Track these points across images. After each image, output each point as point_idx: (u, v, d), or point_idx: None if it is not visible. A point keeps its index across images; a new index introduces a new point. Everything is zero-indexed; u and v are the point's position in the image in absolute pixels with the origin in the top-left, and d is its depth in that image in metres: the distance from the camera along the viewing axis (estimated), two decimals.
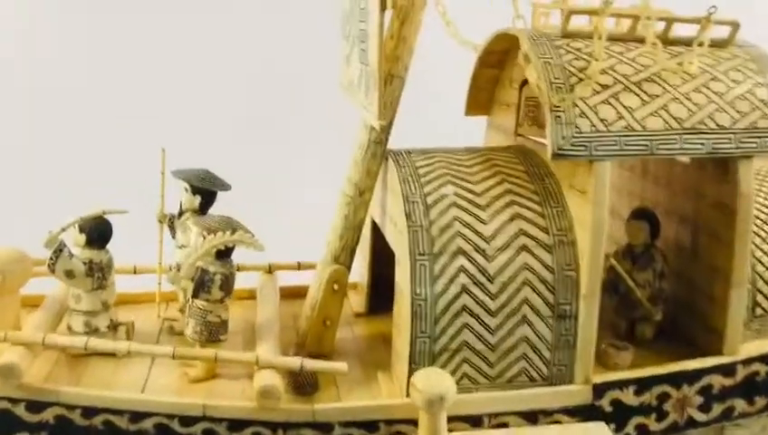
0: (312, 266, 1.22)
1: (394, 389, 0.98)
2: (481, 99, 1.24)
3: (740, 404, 1.03)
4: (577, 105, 0.92)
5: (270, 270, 1.25)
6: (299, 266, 1.26)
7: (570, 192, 0.97)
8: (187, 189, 1.10)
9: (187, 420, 0.88)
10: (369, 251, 1.20)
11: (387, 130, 1.02)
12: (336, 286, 1.06)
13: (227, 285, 0.97)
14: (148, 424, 0.88)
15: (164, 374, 0.98)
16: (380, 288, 1.20)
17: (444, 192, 0.96)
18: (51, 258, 0.96)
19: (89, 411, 0.88)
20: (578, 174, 0.95)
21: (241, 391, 0.95)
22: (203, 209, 1.11)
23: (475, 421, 0.92)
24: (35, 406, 0.88)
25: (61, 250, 0.96)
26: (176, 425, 0.88)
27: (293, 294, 1.21)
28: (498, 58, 1.18)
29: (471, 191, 0.96)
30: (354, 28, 1.02)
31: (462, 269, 0.92)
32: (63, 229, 0.97)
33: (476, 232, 0.93)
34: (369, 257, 1.20)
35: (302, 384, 0.95)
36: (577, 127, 0.92)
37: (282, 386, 0.90)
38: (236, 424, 0.89)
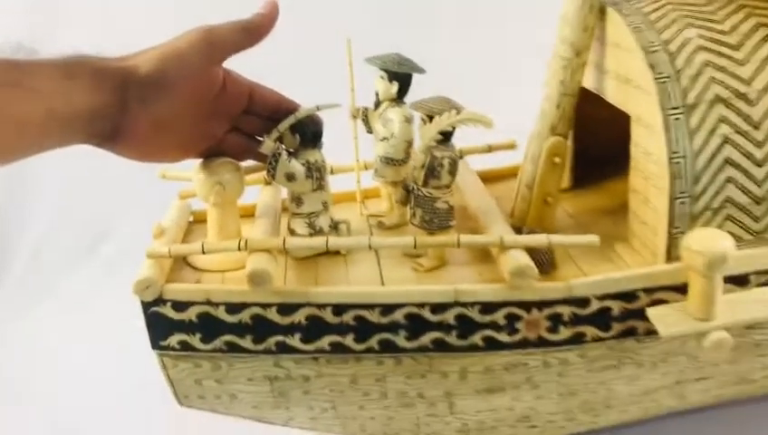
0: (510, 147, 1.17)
1: (641, 258, 0.92)
2: None
3: None
4: None
5: (461, 155, 1.20)
6: (489, 149, 1.20)
7: None
8: (383, 77, 1.04)
9: (439, 308, 0.86)
10: None
11: None
12: (557, 159, 0.99)
13: (454, 168, 0.93)
14: (398, 315, 0.87)
15: (395, 268, 0.96)
16: (582, 161, 1.13)
17: (687, 36, 0.86)
18: (270, 163, 0.94)
19: (339, 309, 0.87)
20: None
21: (478, 274, 0.92)
22: (400, 96, 1.05)
23: (741, 281, 0.86)
24: (286, 309, 0.88)
25: (279, 154, 0.94)
26: (427, 313, 0.87)
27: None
28: None
29: (717, 31, 0.86)
30: None
31: (722, 119, 0.83)
32: (280, 133, 0.94)
33: (733, 75, 0.84)
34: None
35: (541, 263, 0.90)
36: None
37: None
38: (489, 307, 0.86)
